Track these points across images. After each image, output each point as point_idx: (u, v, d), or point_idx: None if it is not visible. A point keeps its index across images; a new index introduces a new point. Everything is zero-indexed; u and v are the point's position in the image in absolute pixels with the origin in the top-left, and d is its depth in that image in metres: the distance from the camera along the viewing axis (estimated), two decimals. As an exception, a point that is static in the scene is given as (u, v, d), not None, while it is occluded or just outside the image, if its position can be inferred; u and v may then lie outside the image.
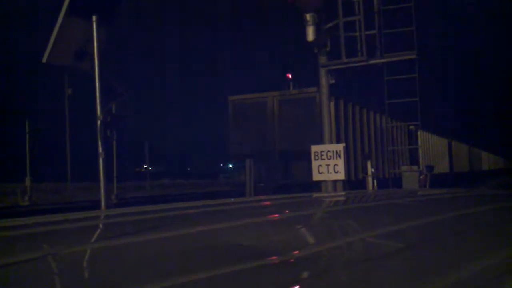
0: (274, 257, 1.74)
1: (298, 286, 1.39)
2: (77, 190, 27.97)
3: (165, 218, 3.16)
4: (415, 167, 13.83)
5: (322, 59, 11.04)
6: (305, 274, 1.54)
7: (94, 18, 6.46)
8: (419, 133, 20.01)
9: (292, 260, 1.72)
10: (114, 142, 18.55)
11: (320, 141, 11.59)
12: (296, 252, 1.86)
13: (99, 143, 6.72)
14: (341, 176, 9.55)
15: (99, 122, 6.73)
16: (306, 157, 13.43)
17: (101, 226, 2.93)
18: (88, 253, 1.99)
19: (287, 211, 3.50)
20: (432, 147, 24.72)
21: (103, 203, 6.60)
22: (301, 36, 10.72)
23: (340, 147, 9.65)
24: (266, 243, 2.10)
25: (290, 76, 16.97)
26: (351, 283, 1.44)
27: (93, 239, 2.34)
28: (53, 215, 3.34)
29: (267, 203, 4.34)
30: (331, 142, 10.69)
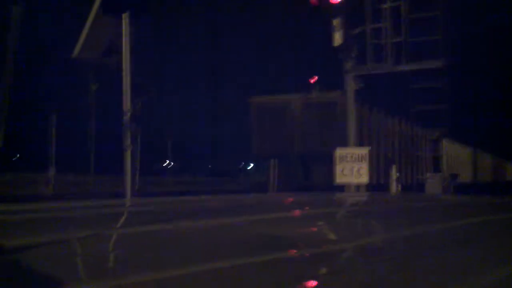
0: (294, 250, 1.78)
1: (316, 282, 1.43)
2: (100, 182, 28.21)
3: (188, 210, 3.22)
4: (438, 174, 13.68)
5: (348, 65, 11.00)
6: (322, 270, 1.57)
7: (124, 15, 6.56)
8: (443, 141, 19.78)
9: (321, 252, 1.75)
10: (139, 137, 18.65)
11: (342, 144, 11.51)
12: (318, 247, 1.89)
13: (126, 136, 6.81)
14: (365, 179, 9.52)
15: (126, 116, 6.82)
16: (327, 161, 13.36)
17: (127, 214, 3.00)
18: (133, 236, 2.05)
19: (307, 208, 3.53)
20: (456, 155, 24.39)
21: (128, 195, 6.68)
22: (327, 40, 10.69)
23: (365, 150, 9.63)
24: (287, 236, 2.13)
25: (314, 79, 16.91)
26: (381, 279, 1.46)
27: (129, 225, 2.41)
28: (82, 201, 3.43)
29: (290, 200, 4.37)
30: (355, 146, 10.65)
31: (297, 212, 3.21)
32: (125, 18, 6.59)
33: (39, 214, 2.75)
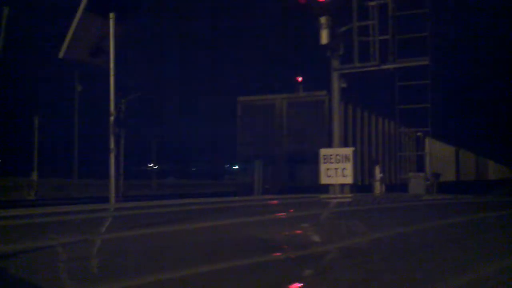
0: (278, 253, 1.79)
1: (302, 284, 1.45)
2: (83, 186, 28.08)
3: (178, 213, 3.22)
4: (421, 174, 13.79)
5: (335, 63, 11.05)
6: (307, 272, 1.59)
7: (111, 15, 6.53)
8: (426, 140, 19.98)
9: (309, 254, 1.77)
10: (122, 140, 18.55)
11: (328, 144, 11.59)
12: (303, 249, 1.91)
13: (111, 139, 6.76)
14: (349, 180, 9.57)
15: (111, 118, 6.77)
16: (312, 161, 13.44)
17: (110, 218, 2.99)
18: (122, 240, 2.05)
19: (291, 210, 3.55)
20: (440, 154, 24.64)
21: (112, 198, 6.63)
22: (313, 38, 10.73)
23: (349, 151, 9.68)
24: (274, 238, 2.15)
25: (300, 79, 16.99)
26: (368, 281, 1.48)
27: (111, 230, 2.41)
28: (65, 207, 3.41)
29: (275, 202, 4.39)
30: (340, 146, 10.71)
31: (282, 214, 3.22)
32: (112, 18, 6.56)
33: (23, 220, 2.74)
